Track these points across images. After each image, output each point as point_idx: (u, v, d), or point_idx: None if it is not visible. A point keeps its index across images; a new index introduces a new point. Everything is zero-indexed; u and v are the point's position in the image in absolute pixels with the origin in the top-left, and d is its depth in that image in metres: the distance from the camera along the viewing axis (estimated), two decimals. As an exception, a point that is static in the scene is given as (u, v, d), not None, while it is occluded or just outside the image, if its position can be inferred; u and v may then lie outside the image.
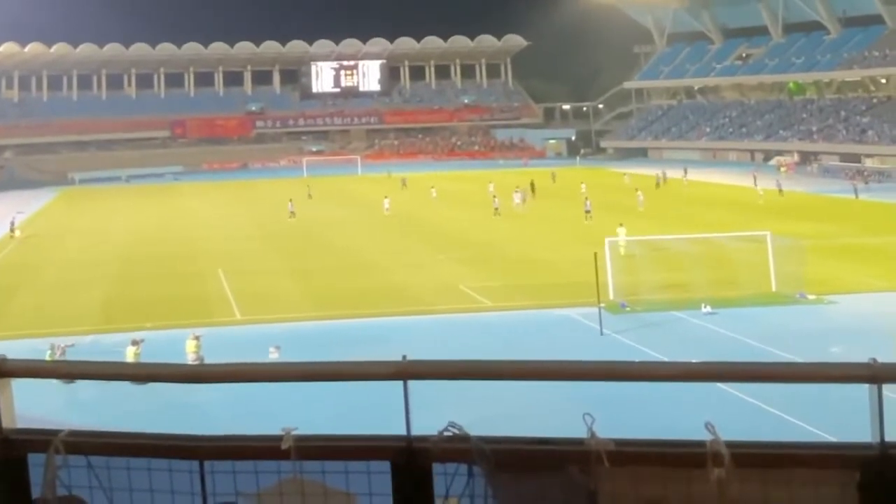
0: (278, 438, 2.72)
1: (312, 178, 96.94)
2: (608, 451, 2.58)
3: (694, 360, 2.81)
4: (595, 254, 33.60)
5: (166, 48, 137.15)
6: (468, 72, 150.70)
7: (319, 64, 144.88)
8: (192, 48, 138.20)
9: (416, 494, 2.72)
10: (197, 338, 29.09)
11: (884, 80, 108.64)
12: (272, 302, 38.33)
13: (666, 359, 23.97)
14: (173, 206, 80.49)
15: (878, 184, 78.96)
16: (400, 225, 60.65)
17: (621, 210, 59.46)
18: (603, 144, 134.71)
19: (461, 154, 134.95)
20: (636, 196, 64.73)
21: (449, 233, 56.06)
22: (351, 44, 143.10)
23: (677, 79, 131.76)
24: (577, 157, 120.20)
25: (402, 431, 2.75)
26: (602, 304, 32.47)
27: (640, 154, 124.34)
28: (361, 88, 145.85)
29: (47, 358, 25.99)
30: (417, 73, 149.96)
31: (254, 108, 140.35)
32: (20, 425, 2.96)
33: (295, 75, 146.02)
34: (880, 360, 2.60)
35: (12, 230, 61.95)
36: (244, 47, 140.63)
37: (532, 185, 74.58)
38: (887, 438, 2.58)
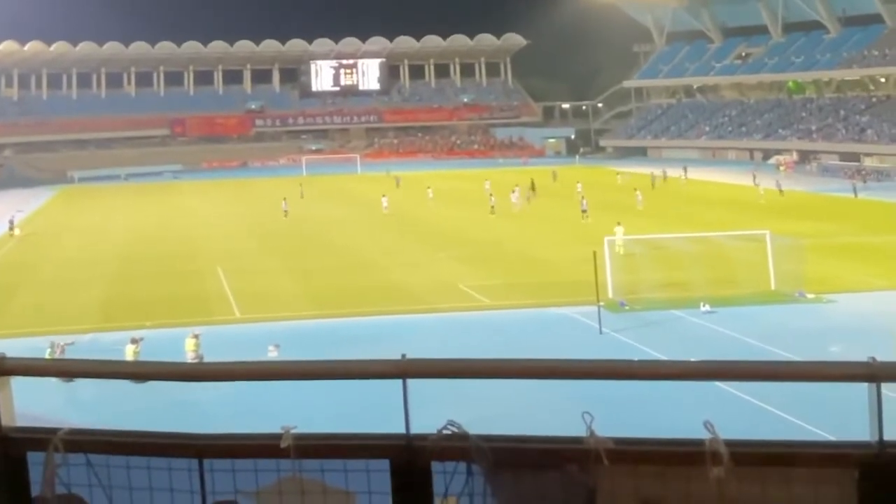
0: (277, 437, 2.73)
1: (306, 178, 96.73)
2: (607, 449, 2.58)
3: (693, 359, 2.82)
4: (594, 252, 33.59)
5: (166, 47, 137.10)
6: (467, 70, 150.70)
7: (319, 62, 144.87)
8: (192, 47, 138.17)
9: (415, 493, 2.72)
10: (196, 336, 29.07)
11: (883, 80, 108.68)
12: (271, 300, 38.32)
13: (665, 357, 23.95)
14: (172, 204, 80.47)
15: (876, 182, 79.00)
16: (398, 224, 60.63)
17: (619, 209, 59.48)
18: (602, 143, 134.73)
19: (460, 153, 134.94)
20: (634, 195, 64.74)
21: (447, 231, 56.04)
22: (350, 42, 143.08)
23: (677, 78, 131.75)
24: (577, 156, 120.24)
25: (402, 430, 2.75)
26: (601, 303, 32.46)
27: (640, 153, 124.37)
28: (361, 87, 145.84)
29: (47, 356, 25.99)
30: (417, 72, 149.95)
31: (253, 107, 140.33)
32: (20, 424, 2.96)
33: (294, 74, 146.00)
34: (879, 359, 2.60)
35: (12, 228, 61.92)
36: (244, 46, 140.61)
37: (532, 184, 74.45)
38: (886, 437, 2.58)
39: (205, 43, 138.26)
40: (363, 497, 2.74)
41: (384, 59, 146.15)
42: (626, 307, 34.71)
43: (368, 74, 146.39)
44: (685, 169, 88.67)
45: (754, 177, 78.72)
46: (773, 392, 22.23)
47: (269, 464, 2.76)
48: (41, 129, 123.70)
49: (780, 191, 69.43)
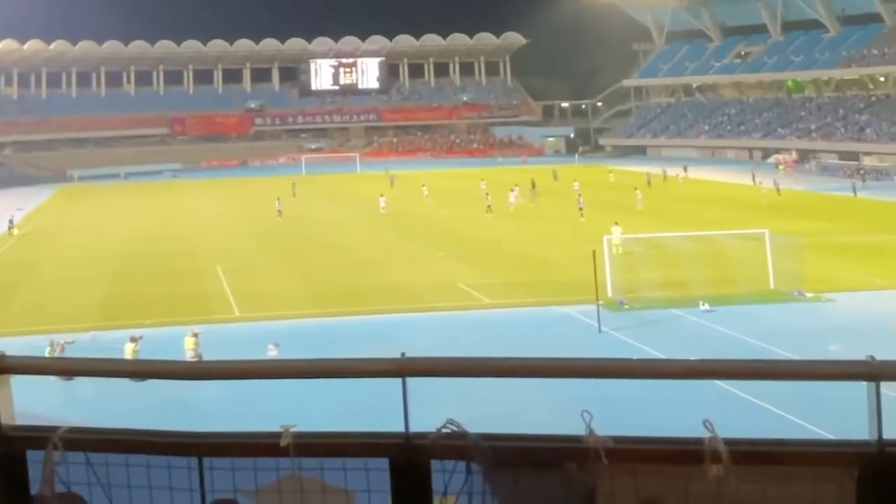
0: (277, 435, 2.73)
1: (302, 177, 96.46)
2: (606, 448, 2.58)
3: (692, 358, 2.82)
4: (594, 251, 33.60)
5: (165, 45, 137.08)
6: (467, 69, 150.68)
7: (318, 61, 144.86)
8: (192, 45, 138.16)
9: (414, 491, 2.72)
10: (196, 335, 29.06)
11: (882, 79, 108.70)
12: (271, 299, 38.32)
13: (664, 356, 23.97)
14: (172, 203, 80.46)
15: (876, 182, 79.01)
16: (396, 223, 60.62)
17: (617, 208, 59.55)
18: (601, 142, 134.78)
19: (460, 152, 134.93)
20: (633, 194, 64.74)
21: (445, 230, 56.05)
22: (350, 41, 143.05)
23: (676, 77, 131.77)
24: (576, 155, 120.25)
25: (401, 429, 2.75)
26: (600, 302, 32.47)
27: (639, 152, 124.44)
28: (360, 86, 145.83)
29: (47, 354, 25.99)
30: (416, 71, 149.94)
31: (253, 106, 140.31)
32: (19, 422, 2.96)
33: (294, 73, 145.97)
34: (878, 357, 2.60)
35: (11, 227, 61.90)
36: (243, 45, 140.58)
37: (533, 183, 74.33)
38: (885, 436, 2.58)
39: (204, 42, 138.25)
40: (362, 495, 2.74)
41: (384, 58, 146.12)
42: (626, 306, 34.72)
43: (368, 73, 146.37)
44: (685, 168, 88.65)
45: (753, 176, 78.77)
46: (772, 391, 22.24)
47: (268, 462, 2.76)
48: (41, 127, 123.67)
49: (778, 190, 69.42)
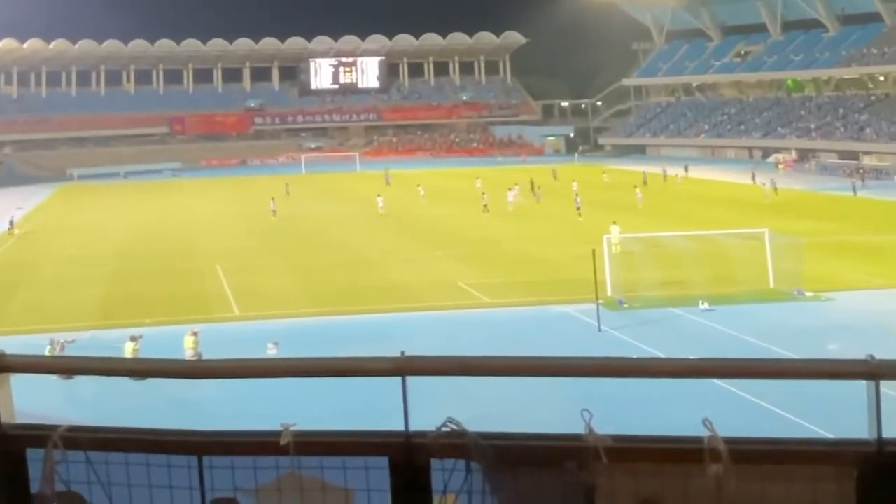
0: (277, 434, 2.73)
1: (300, 176, 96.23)
2: (606, 447, 2.58)
3: (692, 357, 2.82)
4: (593, 251, 33.60)
5: (165, 44, 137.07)
6: (467, 69, 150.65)
7: (318, 60, 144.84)
8: (191, 44, 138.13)
9: (414, 490, 2.72)
10: (195, 334, 29.07)
11: (882, 78, 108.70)
12: (270, 298, 38.32)
13: (664, 355, 23.97)
14: (172, 202, 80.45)
15: (875, 181, 78.99)
16: (394, 223, 60.58)
17: (615, 207, 59.58)
18: (601, 141, 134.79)
19: (459, 151, 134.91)
20: (630, 193, 64.71)
21: (443, 230, 56.02)
22: (350, 41, 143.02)
23: (676, 76, 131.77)
24: (576, 154, 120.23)
25: (401, 427, 2.75)
26: (600, 301, 32.47)
27: (639, 151, 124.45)
28: (360, 85, 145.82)
29: (47, 353, 26.00)
30: (416, 70, 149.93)
31: (252, 105, 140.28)
32: (19, 420, 2.96)
33: (294, 72, 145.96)
34: (878, 356, 2.60)
35: (11, 227, 61.88)
36: (243, 44, 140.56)
37: (532, 183, 74.24)
38: (884, 435, 2.58)
39: (204, 41, 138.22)
40: (362, 494, 2.74)
41: (383, 58, 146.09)
42: (625, 305, 34.72)
43: (368, 72, 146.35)
44: (686, 167, 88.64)
45: (753, 175, 78.75)
46: (771, 390, 22.23)
47: (268, 461, 2.76)
48: (40, 126, 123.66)
49: (775, 189, 69.24)
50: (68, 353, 27.54)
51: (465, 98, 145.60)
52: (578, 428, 2.62)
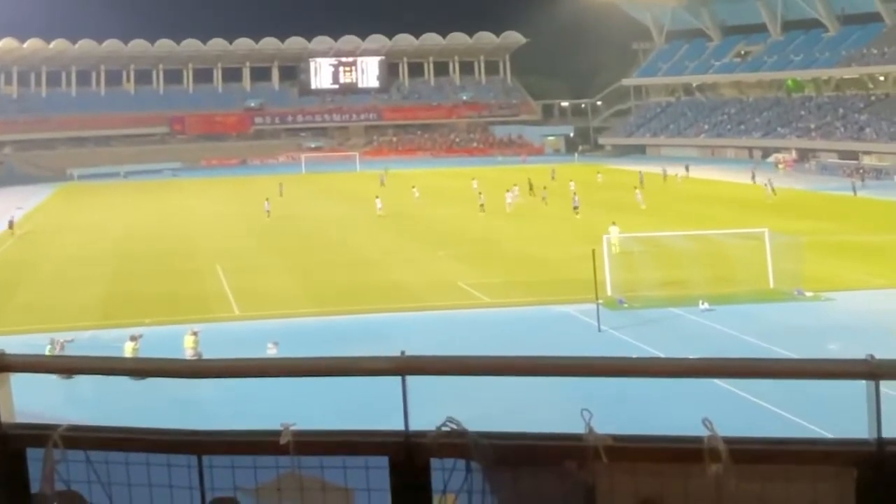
0: (277, 433, 2.73)
1: (287, 176, 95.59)
2: (606, 446, 2.58)
3: (691, 357, 2.82)
4: (593, 250, 33.60)
5: (165, 44, 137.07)
6: (467, 68, 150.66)
7: (318, 60, 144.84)
8: (191, 44, 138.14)
9: (414, 490, 2.72)
10: (195, 333, 29.07)
11: (882, 78, 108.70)
12: (270, 298, 38.32)
13: (664, 355, 24.00)
14: (172, 202, 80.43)
15: (875, 181, 78.97)
16: (391, 223, 60.54)
17: (614, 207, 59.60)
18: (601, 141, 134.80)
19: (459, 151, 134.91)
20: (627, 193, 64.67)
21: (441, 230, 56.01)
22: (350, 40, 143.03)
23: (676, 76, 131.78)
24: (576, 154, 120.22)
25: (401, 427, 2.75)
26: (600, 301, 32.46)
27: (639, 151, 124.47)
28: (360, 85, 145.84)
29: (47, 353, 25.99)
30: (416, 70, 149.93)
31: (252, 105, 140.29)
32: (19, 420, 2.96)
33: (294, 72, 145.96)
34: (877, 356, 2.60)
35: (11, 226, 61.86)
36: (243, 44, 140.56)
37: (530, 183, 74.23)
38: (884, 435, 2.58)
39: (204, 41, 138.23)
40: (362, 494, 2.74)
41: (383, 57, 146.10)
42: (625, 305, 34.72)
43: (368, 72, 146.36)
44: (687, 167, 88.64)
45: (753, 175, 78.72)
46: (771, 390, 22.24)
47: (268, 460, 2.76)
48: (40, 126, 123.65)
49: (773, 191, 68.81)
50: (68, 352, 27.54)
51: (465, 98, 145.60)
52: (578, 428, 2.62)
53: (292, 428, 2.74)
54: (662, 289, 36.29)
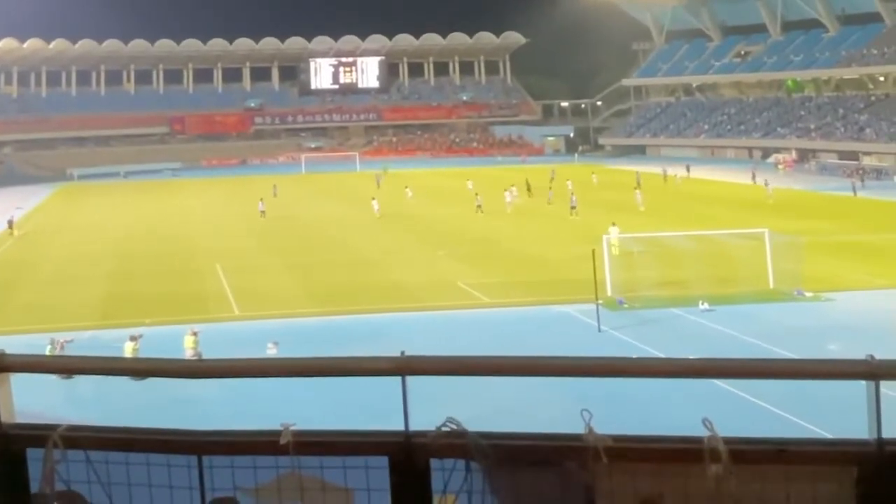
0: (277, 434, 2.73)
1: (281, 177, 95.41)
2: (606, 446, 2.58)
3: (691, 357, 2.82)
4: (593, 250, 33.59)
5: (165, 44, 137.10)
6: (467, 69, 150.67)
7: (318, 60, 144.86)
8: (191, 44, 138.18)
9: (413, 490, 2.72)
10: (195, 333, 29.06)
11: (882, 78, 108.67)
12: (270, 298, 38.32)
13: (664, 355, 24.00)
14: (172, 202, 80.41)
15: (875, 181, 78.94)
16: (389, 224, 60.50)
17: (612, 207, 59.59)
18: (601, 141, 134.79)
19: (459, 151, 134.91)
20: (625, 194, 64.62)
21: (441, 230, 55.99)
22: (350, 40, 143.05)
23: (676, 76, 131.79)
24: (576, 154, 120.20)
25: (401, 427, 2.75)
26: (600, 301, 32.46)
27: (639, 151, 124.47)
28: (360, 85, 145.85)
29: (48, 353, 25.98)
30: (416, 70, 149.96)
31: (252, 105, 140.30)
32: (19, 420, 2.96)
33: (294, 72, 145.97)
34: (878, 357, 2.60)
35: (11, 226, 61.84)
36: (243, 44, 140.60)
37: (528, 183, 74.20)
38: (884, 435, 2.58)
39: (204, 41, 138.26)
40: (362, 494, 2.74)
41: (383, 57, 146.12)
42: (625, 305, 34.71)
43: (368, 72, 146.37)
44: (688, 168, 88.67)
45: (753, 175, 78.70)
46: (771, 390, 22.23)
47: (268, 460, 2.76)
48: (40, 126, 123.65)
49: (769, 193, 68.51)
50: (68, 352, 27.54)
51: (464, 98, 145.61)
52: (578, 428, 2.62)
53: (292, 428, 2.74)
54: (662, 289, 36.28)
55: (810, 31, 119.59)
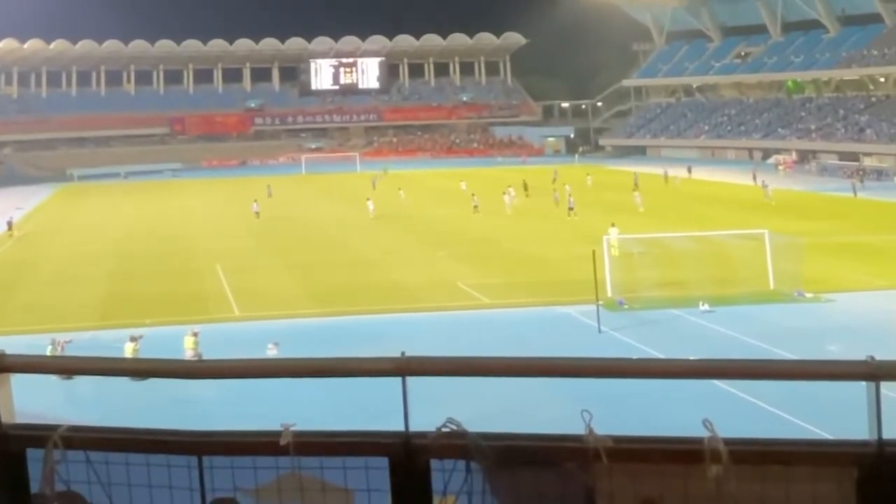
0: (277, 434, 2.73)
1: (273, 178, 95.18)
2: (606, 447, 2.58)
3: (692, 358, 2.82)
4: (594, 251, 33.60)
5: (165, 45, 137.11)
6: (467, 69, 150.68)
7: (319, 61, 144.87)
8: (192, 45, 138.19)
9: (414, 491, 2.72)
10: (195, 334, 29.07)
11: (882, 79, 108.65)
12: (271, 298, 38.33)
13: (664, 356, 24.01)
14: (172, 202, 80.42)
15: (875, 182, 78.89)
16: (386, 225, 60.49)
17: (612, 208, 59.59)
18: (601, 142, 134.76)
19: (460, 151, 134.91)
20: (625, 194, 64.60)
21: (441, 231, 55.98)
22: (350, 41, 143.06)
23: (676, 77, 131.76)
24: (576, 155, 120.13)
25: (401, 428, 2.75)
26: (600, 302, 32.46)
27: (639, 152, 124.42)
28: (360, 86, 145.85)
29: (48, 353, 25.99)
30: (416, 71, 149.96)
31: (253, 105, 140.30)
32: (19, 420, 2.96)
33: (294, 72, 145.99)
34: (878, 357, 2.60)
35: (10, 227, 61.83)
36: (243, 44, 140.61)
37: (525, 184, 74.18)
38: (885, 436, 2.58)
39: (204, 41, 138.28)
40: (362, 494, 2.74)
41: (384, 58, 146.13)
42: (625, 306, 34.71)
43: (368, 73, 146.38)
44: (690, 169, 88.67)
45: (754, 176, 78.65)
46: (771, 391, 22.24)
47: (268, 461, 2.76)
48: (41, 126, 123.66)
49: (767, 192, 68.34)
50: (68, 353, 27.54)
51: (465, 99, 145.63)
52: (579, 429, 2.62)
53: (292, 428, 2.74)
54: (662, 290, 36.27)
55: (810, 32, 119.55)
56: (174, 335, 29.81)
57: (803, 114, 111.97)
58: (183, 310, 36.11)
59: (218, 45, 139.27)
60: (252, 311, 36.47)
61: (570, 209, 60.10)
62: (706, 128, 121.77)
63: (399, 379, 2.78)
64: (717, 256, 40.77)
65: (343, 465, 2.74)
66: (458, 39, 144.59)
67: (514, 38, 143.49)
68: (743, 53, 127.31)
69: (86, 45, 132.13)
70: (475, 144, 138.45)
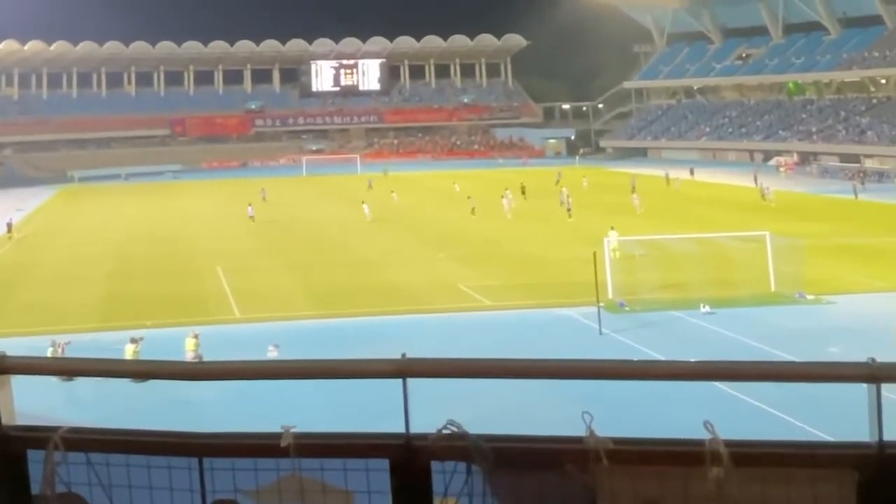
0: (277, 436, 2.73)
1: (267, 180, 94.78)
2: (607, 449, 2.58)
3: (692, 360, 2.82)
4: (594, 253, 33.60)
5: (166, 46, 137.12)
6: (468, 71, 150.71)
7: (319, 63, 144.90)
8: (192, 46, 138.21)
9: (414, 492, 2.72)
10: (196, 336, 29.06)
11: (883, 81, 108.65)
12: (271, 300, 38.33)
13: (665, 358, 24.02)
14: (172, 204, 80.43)
15: (876, 184, 78.87)
16: (384, 227, 60.49)
17: (611, 210, 59.59)
18: (602, 144, 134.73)
19: (460, 153, 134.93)
20: (623, 195, 64.61)
21: (439, 233, 55.97)
22: (351, 43, 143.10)
23: (677, 79, 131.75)
24: (577, 157, 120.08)
25: (401, 429, 2.75)
26: (601, 304, 32.46)
27: (640, 154, 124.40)
28: (361, 87, 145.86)
29: (49, 355, 25.99)
30: (417, 73, 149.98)
31: (253, 107, 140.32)
32: (20, 422, 2.96)
33: (295, 74, 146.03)
34: (879, 359, 2.60)
35: (10, 228, 61.84)
36: (244, 46, 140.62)
37: (523, 187, 74.18)
38: (885, 438, 2.58)
39: (205, 43, 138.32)
40: (362, 496, 2.74)
41: (384, 60, 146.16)
42: (626, 308, 34.71)
43: (369, 75, 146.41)
44: (692, 171, 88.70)
45: (756, 178, 78.62)
46: (772, 393, 22.24)
47: (268, 463, 2.76)
48: (41, 128, 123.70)
49: (765, 196, 68.18)
50: (68, 354, 27.54)
51: (465, 100, 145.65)
52: (579, 430, 2.62)
53: (293, 430, 2.74)
54: (663, 292, 36.27)
55: (811, 34, 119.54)
56: (175, 337, 29.81)
57: (804, 115, 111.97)
58: (183, 311, 36.11)
59: (219, 46, 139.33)
60: (252, 312, 36.48)
61: (568, 210, 60.25)
62: (707, 129, 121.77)
63: (399, 380, 2.78)
64: (719, 258, 40.75)
65: (343, 467, 2.74)
66: (459, 41, 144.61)
67: (515, 40, 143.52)
68: (744, 55, 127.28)
69: (86, 47, 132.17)
70: (476, 146, 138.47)
